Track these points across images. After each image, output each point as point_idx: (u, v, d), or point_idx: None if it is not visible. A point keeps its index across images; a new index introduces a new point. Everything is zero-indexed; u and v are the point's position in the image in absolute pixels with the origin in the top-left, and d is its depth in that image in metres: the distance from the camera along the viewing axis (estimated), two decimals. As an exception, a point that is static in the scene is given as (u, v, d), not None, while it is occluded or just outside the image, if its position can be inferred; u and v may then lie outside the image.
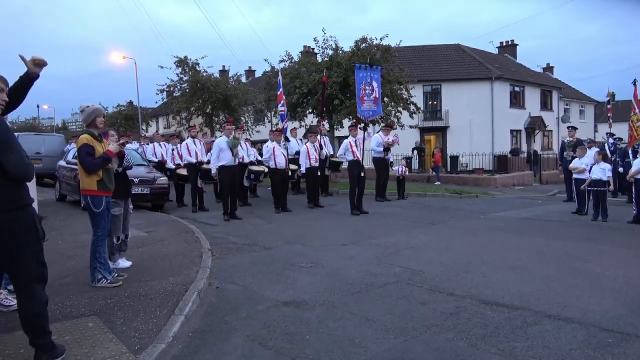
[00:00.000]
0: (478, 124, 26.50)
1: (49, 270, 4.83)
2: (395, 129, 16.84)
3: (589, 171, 9.77)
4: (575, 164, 10.35)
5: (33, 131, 28.12)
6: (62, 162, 11.81)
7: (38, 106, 47.79)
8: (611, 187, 9.64)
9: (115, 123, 34.44)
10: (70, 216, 9.11)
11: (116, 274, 4.97)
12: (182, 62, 23.36)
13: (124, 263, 5.47)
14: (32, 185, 8.12)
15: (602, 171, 9.33)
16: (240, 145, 10.40)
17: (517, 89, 29.54)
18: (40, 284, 3.08)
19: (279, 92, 12.98)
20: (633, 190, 8.97)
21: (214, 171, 9.39)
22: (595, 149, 12.25)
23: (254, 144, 14.38)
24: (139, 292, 4.55)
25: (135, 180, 10.04)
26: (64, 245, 6.47)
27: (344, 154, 10.88)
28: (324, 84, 13.27)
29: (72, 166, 10.72)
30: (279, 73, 13.49)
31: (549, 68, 39.62)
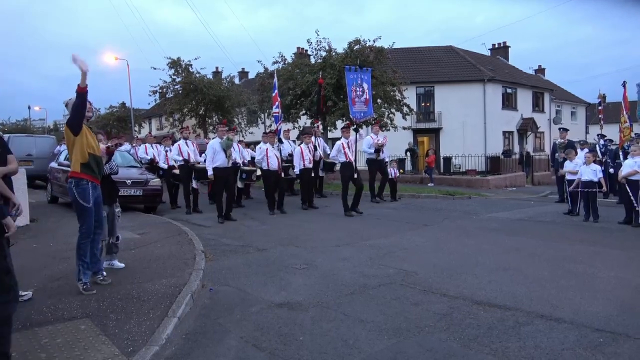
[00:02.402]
0: (471, 126, 26.64)
1: (42, 272, 4.81)
2: (388, 130, 16.93)
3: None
4: (567, 166, 10.42)
5: (24, 133, 27.92)
6: (53, 164, 11.72)
7: (29, 107, 47.60)
8: (604, 188, 9.66)
9: (107, 124, 34.24)
10: (62, 218, 9.05)
11: (101, 277, 4.88)
12: (175, 64, 23.27)
13: (118, 264, 5.46)
14: (23, 187, 8.07)
15: (593, 172, 9.39)
16: (233, 147, 10.38)
17: (509, 90, 29.74)
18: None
19: (274, 94, 12.97)
20: (628, 190, 8.95)
21: (210, 172, 9.34)
22: (586, 150, 12.35)
23: (247, 145, 14.37)
24: (131, 294, 4.53)
25: (128, 182, 10.01)
26: (56, 248, 6.43)
27: (337, 156, 10.90)
28: (320, 85, 13.28)
29: (64, 168, 10.65)
30: (275, 74, 13.48)
31: (540, 70, 39.92)
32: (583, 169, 9.58)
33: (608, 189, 11.42)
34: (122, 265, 5.46)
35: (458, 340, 3.55)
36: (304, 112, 17.62)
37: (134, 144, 14.58)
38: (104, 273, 5.00)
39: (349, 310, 4.25)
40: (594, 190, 9.31)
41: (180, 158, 10.70)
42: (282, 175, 10.89)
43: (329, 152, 13.19)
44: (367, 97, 10.85)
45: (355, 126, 10.85)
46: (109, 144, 5.22)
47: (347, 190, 10.27)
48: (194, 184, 10.75)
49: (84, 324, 3.77)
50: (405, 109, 17.97)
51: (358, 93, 10.67)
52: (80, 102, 4.40)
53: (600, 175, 9.43)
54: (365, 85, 10.80)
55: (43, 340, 3.42)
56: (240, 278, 5.34)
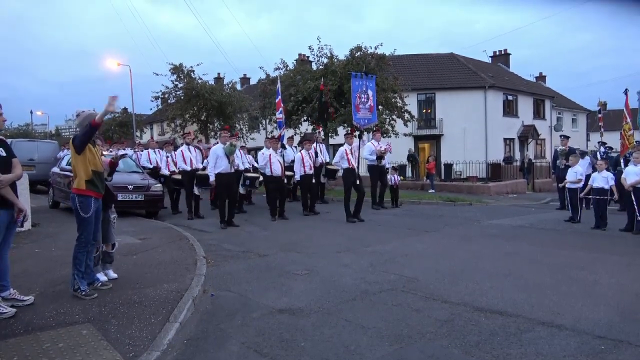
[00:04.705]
0: (472, 132, 26.69)
1: (44, 277, 4.83)
2: (390, 136, 16.97)
3: (584, 180, 9.85)
4: (569, 172, 10.42)
5: (26, 137, 28.01)
6: (55, 169, 11.75)
7: (31, 112, 47.68)
8: (615, 196, 9.57)
9: (109, 130, 34.34)
10: (64, 223, 9.06)
11: (99, 284, 4.88)
12: (177, 69, 23.39)
13: (102, 277, 5.08)
14: (25, 192, 8.09)
15: (605, 180, 9.36)
16: (236, 153, 10.40)
17: (510, 97, 29.82)
18: None
19: (277, 99, 13.01)
20: (633, 198, 8.95)
21: (212, 179, 9.33)
22: (587, 158, 12.36)
23: (248, 151, 14.39)
24: (133, 299, 4.53)
25: (130, 187, 10.04)
26: (58, 252, 6.43)
27: (340, 162, 10.92)
28: (321, 92, 13.33)
29: (66, 173, 10.69)
30: (278, 80, 13.55)
31: (541, 77, 40.01)
32: (595, 176, 9.56)
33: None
34: (115, 276, 5.26)
35: (460, 347, 3.55)
36: (305, 118, 17.67)
37: (136, 149, 14.63)
38: (101, 280, 4.97)
39: (350, 316, 4.25)
40: (605, 197, 9.28)
41: (189, 168, 10.72)
42: (285, 181, 10.90)
43: (328, 159, 13.21)
44: (372, 104, 10.87)
45: (358, 132, 10.88)
46: (112, 157, 5.18)
47: (349, 197, 10.27)
48: (196, 191, 10.76)
49: (86, 328, 3.77)
50: (406, 115, 18.01)
51: (363, 100, 10.70)
52: (90, 133, 4.56)
53: (612, 182, 9.39)
54: (370, 92, 10.83)
55: (45, 344, 3.42)
56: (241, 283, 5.34)
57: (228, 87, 25.76)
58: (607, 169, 10.10)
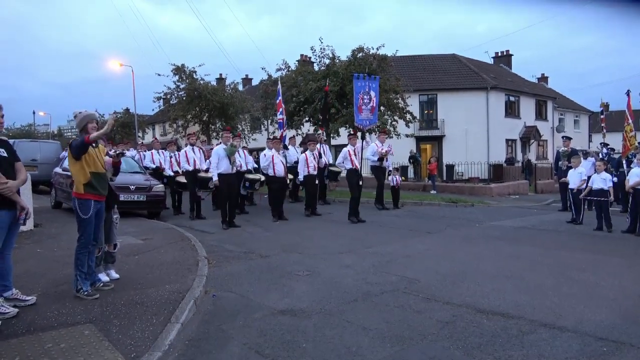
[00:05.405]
0: (474, 133, 26.65)
1: (46, 277, 4.85)
2: (391, 137, 16.96)
3: (587, 181, 9.83)
4: (573, 173, 10.41)
5: (29, 138, 28.06)
6: (58, 169, 11.77)
7: (34, 113, 47.80)
8: (611, 197, 9.59)
9: (111, 130, 34.36)
10: (66, 223, 9.07)
11: (101, 284, 4.88)
12: (179, 70, 23.43)
13: (104, 277, 5.11)
14: (27, 192, 8.10)
15: (603, 181, 9.35)
16: (238, 153, 10.41)
17: (512, 98, 29.77)
18: None
19: (277, 100, 13.02)
20: (630, 200, 8.96)
21: (215, 179, 9.32)
22: (590, 159, 12.34)
23: (250, 152, 14.40)
24: (135, 299, 4.54)
25: (132, 187, 10.05)
26: (60, 253, 6.44)
27: (343, 163, 10.92)
28: (326, 93, 13.33)
29: (68, 173, 10.70)
30: (279, 81, 13.56)
31: (543, 78, 39.93)
32: (594, 177, 9.55)
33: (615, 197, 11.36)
34: (117, 276, 5.28)
35: (461, 349, 3.55)
36: (307, 119, 17.67)
37: (139, 150, 14.63)
38: (103, 281, 4.98)
39: (351, 317, 4.25)
40: (605, 199, 9.26)
41: (191, 168, 10.73)
42: (288, 181, 10.89)
43: (330, 161, 13.21)
44: (374, 105, 10.88)
45: (361, 133, 10.88)
46: (115, 153, 5.20)
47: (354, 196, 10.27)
48: (197, 192, 10.76)
49: (88, 329, 3.78)
50: (408, 116, 18.00)
51: (365, 101, 10.71)
52: (84, 148, 4.55)
53: (610, 184, 9.37)
54: (373, 93, 10.83)
55: (47, 345, 3.43)
56: (243, 284, 5.35)
57: (230, 87, 25.79)
58: (607, 170, 10.12)
